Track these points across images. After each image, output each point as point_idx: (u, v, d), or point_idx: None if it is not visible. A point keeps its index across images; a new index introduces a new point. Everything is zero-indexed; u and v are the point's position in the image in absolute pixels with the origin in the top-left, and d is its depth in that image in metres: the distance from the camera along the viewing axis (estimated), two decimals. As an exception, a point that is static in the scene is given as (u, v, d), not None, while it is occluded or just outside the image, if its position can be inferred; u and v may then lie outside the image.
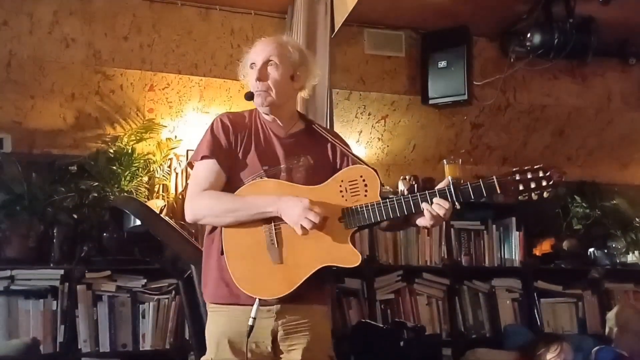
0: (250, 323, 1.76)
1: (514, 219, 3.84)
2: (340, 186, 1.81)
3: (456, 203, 1.74)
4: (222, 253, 1.83)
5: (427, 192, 1.76)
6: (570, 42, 3.57)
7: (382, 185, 1.83)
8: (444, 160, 3.78)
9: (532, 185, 1.71)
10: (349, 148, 1.97)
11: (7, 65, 3.21)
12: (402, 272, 3.59)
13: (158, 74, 3.43)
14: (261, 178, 1.85)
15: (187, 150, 3.54)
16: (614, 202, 4.11)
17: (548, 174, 1.71)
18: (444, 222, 3.58)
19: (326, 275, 1.87)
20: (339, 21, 3.36)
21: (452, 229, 3.76)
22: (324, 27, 3.30)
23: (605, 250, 4.06)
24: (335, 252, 1.77)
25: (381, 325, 3.31)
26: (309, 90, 2.02)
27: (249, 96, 1.91)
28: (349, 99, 3.74)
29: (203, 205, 1.86)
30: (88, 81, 3.36)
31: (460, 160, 3.79)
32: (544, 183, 1.71)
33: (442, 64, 3.66)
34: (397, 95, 3.83)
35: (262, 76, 1.88)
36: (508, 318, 3.72)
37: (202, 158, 1.89)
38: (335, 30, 3.37)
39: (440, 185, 1.78)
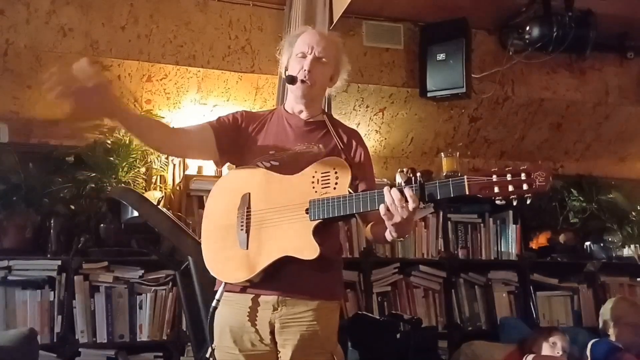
0: (213, 304, 1.82)
1: (510, 212, 3.85)
2: (314, 177, 1.79)
3: (419, 201, 1.60)
4: None
5: (393, 187, 1.64)
6: (569, 36, 3.57)
7: (354, 179, 1.77)
8: (442, 153, 3.81)
9: (510, 188, 1.52)
10: (353, 149, 1.95)
11: (3, 55, 3.20)
12: (398, 264, 3.60)
13: (156, 65, 3.41)
14: (267, 161, 1.90)
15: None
16: (611, 196, 4.12)
17: (531, 178, 1.50)
18: (440, 217, 3.70)
19: (333, 268, 1.88)
20: (337, 13, 3.35)
21: (449, 222, 3.77)
22: (323, 18, 3.29)
23: (602, 244, 4.07)
24: (296, 243, 1.74)
25: (378, 318, 3.32)
26: (335, 90, 2.08)
27: (291, 80, 1.93)
28: (347, 91, 3.73)
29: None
30: (85, 71, 3.34)
31: (457, 153, 3.81)
32: (525, 187, 1.50)
33: (441, 56, 3.65)
34: (395, 88, 3.82)
35: (312, 69, 1.91)
36: (504, 311, 3.73)
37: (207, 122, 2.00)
38: (334, 22, 3.36)
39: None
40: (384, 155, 4.08)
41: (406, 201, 1.60)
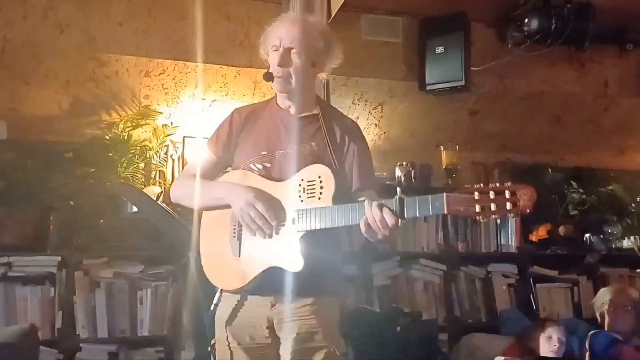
0: (211, 308, 1.85)
1: (510, 205, 3.84)
2: (300, 185, 1.75)
3: (398, 218, 1.56)
4: None
5: (373, 202, 1.60)
6: (568, 28, 3.56)
7: (339, 189, 1.71)
8: (441, 147, 3.81)
9: (492, 207, 1.44)
10: (346, 147, 1.88)
11: (1, 52, 3.19)
12: (398, 258, 3.61)
13: (153, 60, 3.41)
14: (259, 163, 1.86)
15: (184, 137, 3.54)
16: (610, 187, 4.12)
17: (515, 197, 1.43)
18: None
19: (331, 266, 1.86)
20: (335, 6, 3.33)
21: (448, 215, 3.76)
22: (321, 12, 3.28)
23: (601, 236, 4.06)
24: (283, 254, 1.72)
25: (378, 311, 3.33)
26: (329, 72, 1.98)
27: (268, 77, 1.87)
28: (346, 85, 3.72)
29: (179, 185, 2.01)
30: (83, 67, 3.34)
31: (457, 146, 3.81)
32: (508, 206, 1.43)
33: (440, 49, 3.64)
34: (395, 82, 3.81)
35: (283, 62, 1.83)
36: (504, 303, 3.74)
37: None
38: (332, 16, 3.35)
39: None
40: (383, 149, 4.06)
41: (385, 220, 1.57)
